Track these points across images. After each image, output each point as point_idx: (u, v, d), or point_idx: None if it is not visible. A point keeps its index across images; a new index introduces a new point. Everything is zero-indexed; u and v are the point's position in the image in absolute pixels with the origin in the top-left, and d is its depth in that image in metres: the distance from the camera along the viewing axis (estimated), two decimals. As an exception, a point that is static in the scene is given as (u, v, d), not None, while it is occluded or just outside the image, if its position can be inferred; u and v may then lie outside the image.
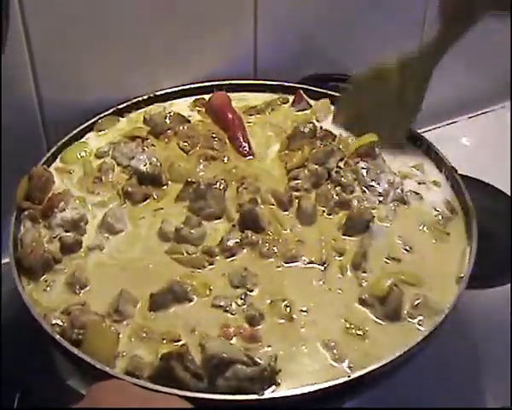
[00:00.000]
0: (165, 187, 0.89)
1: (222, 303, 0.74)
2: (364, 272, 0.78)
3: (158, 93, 1.01)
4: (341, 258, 0.80)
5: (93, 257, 0.80)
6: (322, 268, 0.78)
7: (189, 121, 0.98)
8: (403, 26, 1.12)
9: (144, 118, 0.98)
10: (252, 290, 0.76)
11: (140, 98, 1.00)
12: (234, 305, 0.74)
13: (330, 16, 1.07)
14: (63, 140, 0.93)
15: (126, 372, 0.67)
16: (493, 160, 1.15)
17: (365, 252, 0.79)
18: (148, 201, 0.87)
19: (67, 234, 0.80)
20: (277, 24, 1.05)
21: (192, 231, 0.80)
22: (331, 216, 0.85)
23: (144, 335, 0.71)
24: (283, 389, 0.67)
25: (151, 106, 1.00)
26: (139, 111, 0.99)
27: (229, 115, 0.98)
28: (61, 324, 0.70)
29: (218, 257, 0.79)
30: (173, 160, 0.92)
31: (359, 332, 0.72)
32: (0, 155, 0.90)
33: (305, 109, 1.01)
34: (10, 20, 0.79)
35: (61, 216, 0.82)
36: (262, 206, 0.84)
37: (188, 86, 1.03)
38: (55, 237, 0.80)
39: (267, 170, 0.92)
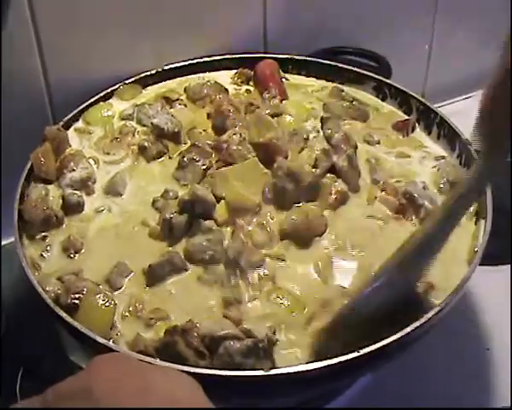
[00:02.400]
0: (180, 146, 0.85)
1: (210, 279, 0.70)
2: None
3: (166, 67, 0.96)
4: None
5: (95, 220, 0.76)
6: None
7: (226, 90, 0.94)
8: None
9: (185, 88, 0.94)
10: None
11: (149, 72, 0.95)
12: (219, 283, 0.70)
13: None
14: (88, 102, 0.89)
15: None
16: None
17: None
18: (162, 158, 0.84)
19: (72, 192, 0.77)
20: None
21: (168, 202, 0.77)
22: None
23: (136, 310, 0.68)
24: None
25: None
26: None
27: (270, 84, 0.93)
28: (55, 290, 0.67)
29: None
30: (196, 124, 0.88)
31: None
32: (0, 136, 0.87)
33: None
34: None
35: (71, 176, 0.79)
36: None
37: (196, 61, 0.97)
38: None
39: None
